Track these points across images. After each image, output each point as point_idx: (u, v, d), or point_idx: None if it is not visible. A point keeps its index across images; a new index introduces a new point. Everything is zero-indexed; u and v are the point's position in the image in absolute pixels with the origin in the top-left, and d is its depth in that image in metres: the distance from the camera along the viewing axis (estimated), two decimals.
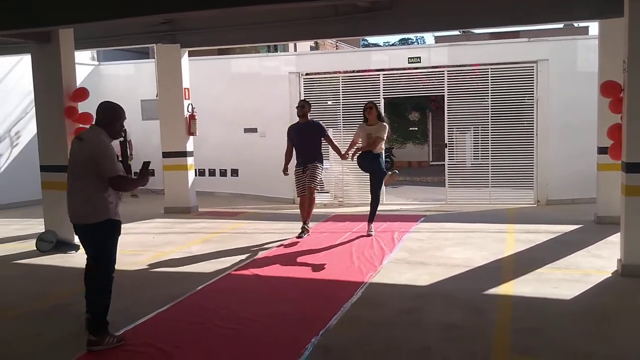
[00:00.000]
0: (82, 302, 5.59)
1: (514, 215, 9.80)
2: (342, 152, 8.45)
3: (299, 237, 8.22)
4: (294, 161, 8.57)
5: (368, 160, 8.14)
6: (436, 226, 8.84)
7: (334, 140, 9.04)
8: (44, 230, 8.11)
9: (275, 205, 11.68)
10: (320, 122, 8.80)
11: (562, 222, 8.70)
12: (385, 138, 8.11)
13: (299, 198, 8.62)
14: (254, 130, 12.69)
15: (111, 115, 4.68)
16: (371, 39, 36.33)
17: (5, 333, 4.97)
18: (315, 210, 10.66)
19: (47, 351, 4.54)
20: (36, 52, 7.92)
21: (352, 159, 8.41)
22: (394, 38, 42.40)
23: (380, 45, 36.45)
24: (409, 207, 11.31)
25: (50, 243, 7.89)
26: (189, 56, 10.98)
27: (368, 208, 8.42)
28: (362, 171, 8.83)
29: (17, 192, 11.78)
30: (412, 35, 47.18)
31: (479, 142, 11.49)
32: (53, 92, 7.83)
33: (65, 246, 7.86)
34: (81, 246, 4.97)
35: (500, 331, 4.55)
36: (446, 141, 11.82)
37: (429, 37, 39.78)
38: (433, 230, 8.54)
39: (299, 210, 8.62)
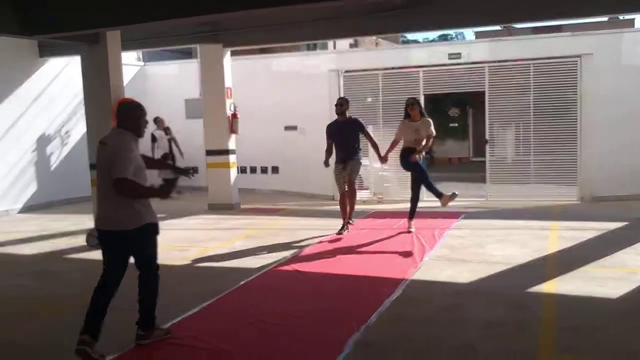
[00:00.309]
0: (131, 297, 5.85)
1: (558, 212, 9.66)
2: (382, 155, 8.42)
3: (339, 233, 8.26)
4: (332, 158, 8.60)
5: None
6: (477, 223, 8.80)
7: (373, 138, 8.98)
8: (93, 227, 8.39)
9: (315, 202, 11.79)
10: (359, 119, 8.78)
11: (608, 219, 8.56)
12: (434, 133, 8.17)
13: (339, 195, 8.62)
14: (294, 128, 12.82)
15: (131, 114, 4.53)
16: (410, 36, 36.27)
17: (60, 325, 5.20)
18: (356, 207, 10.80)
19: (99, 343, 4.71)
20: (86, 53, 8.20)
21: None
22: (433, 34, 41.91)
23: (419, 42, 36.27)
24: (449, 204, 11.21)
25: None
26: (231, 56, 11.18)
27: (407, 205, 8.45)
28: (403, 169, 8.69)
29: (69, 189, 12.22)
30: (451, 31, 46.77)
31: (521, 138, 11.35)
32: (101, 92, 8.10)
33: None
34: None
35: (545, 329, 4.53)
36: (487, 137, 11.72)
37: (468, 32, 39.31)
38: (474, 227, 8.50)
39: (339, 207, 8.64)
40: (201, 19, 9.09)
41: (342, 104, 8.54)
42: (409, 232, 8.16)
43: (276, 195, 12.82)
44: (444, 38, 43.55)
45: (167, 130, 13.42)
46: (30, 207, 11.64)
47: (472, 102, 21.11)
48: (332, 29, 10.22)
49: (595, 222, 8.40)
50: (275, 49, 15.19)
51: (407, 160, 8.07)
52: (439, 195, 8.07)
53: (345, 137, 8.40)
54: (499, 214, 9.69)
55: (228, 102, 10.91)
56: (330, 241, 8.00)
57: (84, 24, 7.32)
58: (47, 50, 11.59)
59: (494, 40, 12.28)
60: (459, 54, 11.56)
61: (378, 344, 4.42)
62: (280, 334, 4.76)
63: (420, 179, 8.20)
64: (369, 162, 12.11)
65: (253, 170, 13.56)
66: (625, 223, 8.31)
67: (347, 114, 8.59)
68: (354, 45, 24.61)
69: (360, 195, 12.00)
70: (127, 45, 9.18)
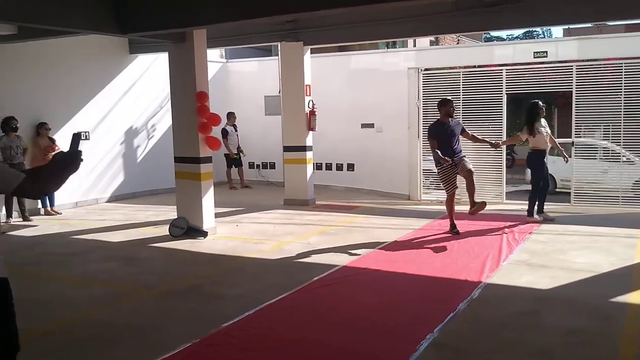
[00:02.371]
0: (212, 284, 6.10)
1: None
2: (494, 142, 9.18)
3: (454, 232, 8.20)
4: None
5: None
6: (560, 228, 8.47)
7: (470, 135, 8.86)
8: (176, 217, 8.74)
9: (390, 201, 11.73)
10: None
11: None
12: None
13: (447, 196, 8.42)
14: (371, 125, 12.80)
15: None
16: (494, 33, 35.16)
17: (143, 308, 5.51)
18: (430, 208, 10.72)
19: (182, 326, 4.94)
20: (173, 51, 8.53)
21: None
22: (518, 31, 40.55)
23: (504, 39, 35.17)
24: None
25: (181, 229, 8.50)
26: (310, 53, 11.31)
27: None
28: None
29: (153, 181, 12.77)
30: (537, 28, 45.07)
31: (610, 141, 10.82)
32: (187, 89, 8.39)
33: (194, 232, 8.44)
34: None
35: (628, 340, 4.34)
36: (573, 139, 11.27)
37: (557, 30, 37.83)
38: (556, 232, 8.20)
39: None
40: (283, 17, 9.28)
41: (454, 107, 8.70)
42: (548, 219, 8.86)
43: (350, 193, 12.86)
44: (529, 35, 42.15)
45: (235, 127, 13.75)
46: (117, 197, 12.25)
47: (558, 102, 20.32)
48: (413, 27, 10.07)
49: None
50: (353, 47, 15.21)
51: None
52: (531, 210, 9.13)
53: (452, 140, 8.29)
54: (583, 219, 9.30)
55: (307, 99, 11.04)
56: (406, 241, 7.96)
57: (173, 23, 7.61)
58: (137, 47, 12.12)
59: (583, 39, 11.71)
60: (545, 52, 11.14)
61: (450, 346, 4.38)
62: (355, 329, 4.79)
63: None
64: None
65: (328, 167, 13.64)
66: None
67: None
68: (434, 43, 24.24)
69: (437, 195, 11.90)
70: (211, 43, 9.46)
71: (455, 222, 8.36)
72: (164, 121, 13.07)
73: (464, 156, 8.40)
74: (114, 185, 12.28)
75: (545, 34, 44.84)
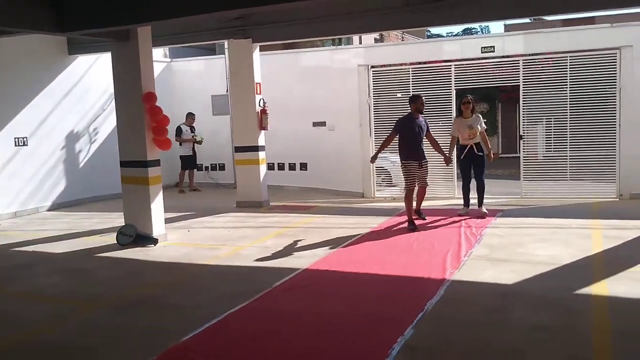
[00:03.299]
0: (167, 296, 5.78)
1: (598, 210, 9.35)
2: (447, 156, 9.07)
3: (412, 229, 8.19)
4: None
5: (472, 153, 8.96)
6: (515, 221, 8.55)
7: (433, 138, 9.03)
8: (123, 224, 8.33)
9: (345, 199, 11.62)
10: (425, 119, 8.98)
11: None
12: (485, 128, 9.09)
13: (406, 191, 8.53)
14: (323, 124, 12.65)
15: None
16: (434, 30, 35.69)
17: (95, 325, 5.12)
18: (385, 205, 10.67)
19: (136, 342, 4.62)
20: (116, 50, 8.12)
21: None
22: (458, 28, 41.43)
23: (443, 36, 35.78)
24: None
25: (130, 237, 8.11)
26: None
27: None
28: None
29: (97, 186, 12.23)
30: (476, 25, 46.10)
31: (557, 133, 11.02)
32: (132, 90, 8.00)
33: (144, 240, 8.06)
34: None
35: (600, 334, 4.29)
36: (521, 133, 11.43)
37: (496, 26, 38.84)
38: (512, 225, 8.25)
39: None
40: (231, 13, 8.99)
41: (424, 102, 8.80)
42: (484, 215, 8.79)
43: (305, 192, 12.68)
44: (467, 32, 43.04)
45: (192, 129, 13.38)
46: (59, 205, 11.66)
47: (501, 97, 20.74)
48: (360, 23, 10.02)
49: (639, 221, 8.08)
50: (299, 44, 15.03)
51: (469, 156, 8.98)
52: (467, 203, 9.21)
53: (421, 135, 8.53)
54: (536, 211, 9.41)
55: (257, 97, 10.77)
56: (365, 239, 7.83)
57: (116, 20, 7.22)
58: (76, 48, 11.58)
59: (528, 33, 11.89)
60: (493, 47, 11.24)
61: (422, 347, 4.25)
62: (324, 335, 4.61)
63: (482, 172, 9.04)
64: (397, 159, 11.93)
65: (281, 167, 13.42)
66: None
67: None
68: (379, 40, 24.33)
69: (391, 192, 11.88)
70: (156, 42, 9.02)
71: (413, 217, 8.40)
72: (107, 124, 12.56)
73: (427, 161, 8.67)
74: (56, 193, 11.67)
75: (484, 31, 46.03)
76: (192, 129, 13.38)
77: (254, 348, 4.43)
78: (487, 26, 48.15)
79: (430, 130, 8.87)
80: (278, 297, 5.64)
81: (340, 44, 20.14)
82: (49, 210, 11.46)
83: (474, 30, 45.69)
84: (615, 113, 10.46)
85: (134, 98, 7.98)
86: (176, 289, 6.14)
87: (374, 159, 9.07)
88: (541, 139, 11.55)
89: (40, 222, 10.27)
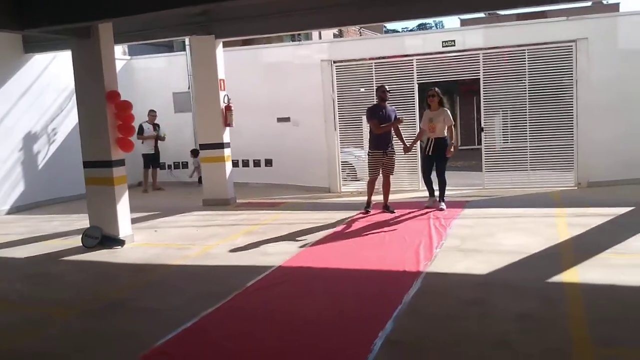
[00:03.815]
0: (138, 298, 5.65)
1: (559, 198, 9.60)
2: (406, 145, 9.25)
3: (366, 212, 9.02)
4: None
5: (437, 146, 8.96)
6: (481, 212, 8.70)
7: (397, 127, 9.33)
8: (88, 226, 8.12)
9: (312, 195, 11.61)
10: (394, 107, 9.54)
11: (611, 205, 8.50)
12: (452, 122, 9.08)
13: (369, 177, 9.22)
14: (287, 119, 12.61)
15: None
16: (389, 25, 35.94)
17: (67, 331, 4.95)
18: (352, 199, 10.70)
19: (112, 347, 4.50)
20: (77, 47, 7.87)
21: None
22: (413, 24, 41.84)
23: (399, 31, 36.11)
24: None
25: (95, 239, 7.90)
26: None
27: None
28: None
29: (56, 188, 11.89)
30: (431, 20, 46.71)
31: (517, 124, 11.25)
32: (95, 88, 7.77)
33: (110, 241, 7.87)
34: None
35: (577, 321, 4.38)
36: (482, 125, 11.64)
37: (451, 21, 39.49)
38: (480, 216, 8.39)
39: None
40: (193, 9, 8.87)
41: (387, 90, 9.12)
42: (441, 209, 8.83)
43: (270, 189, 12.61)
44: (423, 27, 43.53)
45: (155, 127, 13.13)
46: (18, 208, 11.28)
47: (460, 89, 21.05)
48: (322, 19, 10.06)
49: (600, 208, 8.33)
50: (259, 41, 14.92)
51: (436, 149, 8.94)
52: (432, 193, 9.28)
53: (386, 123, 8.94)
54: (501, 202, 9.61)
55: (221, 94, 10.63)
56: (336, 235, 7.83)
57: (77, 16, 7.01)
58: (33, 46, 11.21)
59: (488, 27, 12.11)
60: (453, 41, 11.40)
61: (405, 342, 4.24)
62: (302, 334, 4.56)
63: (442, 164, 9.00)
64: (363, 153, 11.99)
65: (245, 163, 13.31)
66: (631, 208, 8.26)
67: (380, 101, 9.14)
68: (337, 36, 24.39)
69: (357, 186, 11.93)
70: (116, 39, 8.79)
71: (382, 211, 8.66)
72: (66, 124, 12.22)
73: (393, 150, 9.09)
74: (14, 196, 11.29)
75: (438, 26, 46.67)
76: (156, 127, 13.11)
77: (233, 349, 4.34)
78: (442, 21, 48.98)
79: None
80: (253, 296, 5.57)
81: (299, 40, 20.06)
82: (7, 213, 11.07)
83: (428, 25, 46.30)
84: (572, 104, 10.75)
85: (97, 97, 7.75)
86: (148, 291, 5.99)
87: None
88: (501, 131, 11.77)
89: None
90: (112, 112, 7.84)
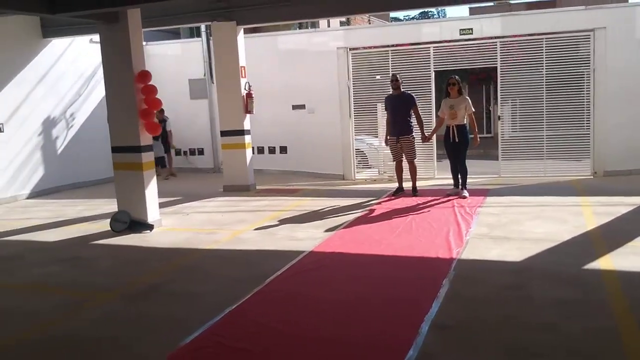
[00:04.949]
0: (175, 282, 5.71)
1: (580, 187, 9.67)
2: (424, 134, 9.56)
3: (395, 195, 9.55)
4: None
5: (458, 134, 9.03)
6: (505, 200, 8.76)
7: (416, 114, 9.63)
8: (113, 211, 8.18)
9: (328, 182, 11.66)
10: (411, 94, 9.69)
11: (636, 194, 8.56)
12: (472, 110, 9.14)
13: (393, 163, 9.91)
14: (302, 107, 12.63)
15: None
16: (394, 14, 35.71)
17: (108, 315, 5.00)
18: (369, 187, 10.76)
19: (158, 331, 4.56)
20: (105, 32, 7.88)
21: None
22: (414, 12, 41.76)
23: (401, 20, 35.94)
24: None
25: (124, 223, 7.97)
26: None
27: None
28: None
29: (77, 173, 11.97)
30: (433, 9, 46.36)
31: (533, 113, 11.29)
32: (124, 73, 7.79)
33: (139, 226, 7.94)
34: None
35: (619, 305, 4.47)
36: (499, 113, 11.69)
37: (456, 10, 39.29)
38: (504, 204, 8.45)
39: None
40: None
41: (396, 79, 9.47)
42: (464, 197, 8.94)
43: (285, 176, 12.66)
44: (425, 16, 43.32)
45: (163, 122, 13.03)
46: (38, 193, 11.34)
47: (469, 78, 21.03)
48: (341, 6, 10.19)
49: (624, 197, 8.40)
50: (269, 29, 14.90)
51: (451, 137, 9.05)
52: (457, 185, 9.33)
53: (398, 111, 9.39)
54: (523, 190, 9.67)
55: (243, 81, 10.65)
56: (362, 220, 7.90)
57: (106, 1, 7.02)
58: (51, 31, 11.20)
59: (506, 15, 12.10)
60: (471, 29, 11.43)
61: (452, 325, 4.30)
62: (346, 317, 4.61)
63: (463, 156, 9.15)
64: (375, 141, 12.04)
65: (261, 150, 13.34)
66: None
67: (402, 89, 9.55)
68: (344, 24, 24.27)
69: (370, 174, 11.99)
70: None
71: (403, 198, 9.07)
72: (84, 109, 12.26)
73: (409, 136, 9.43)
74: (34, 180, 11.34)
75: (440, 15, 46.49)
76: (165, 123, 12.96)
77: (282, 333, 4.37)
78: (444, 9, 48.66)
79: (417, 106, 9.53)
80: (291, 280, 5.63)
81: (307, 28, 19.99)
82: (28, 198, 11.13)
83: (430, 13, 46.04)
84: (589, 93, 10.80)
85: (126, 82, 7.77)
86: (183, 275, 6.05)
87: (386, 142, 9.94)
88: (518, 119, 11.82)
89: (22, 211, 9.97)
90: (140, 97, 7.86)
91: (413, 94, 9.73)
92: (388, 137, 9.65)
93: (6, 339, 4.53)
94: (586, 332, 4.06)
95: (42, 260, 6.85)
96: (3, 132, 10.52)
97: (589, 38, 10.74)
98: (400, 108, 9.38)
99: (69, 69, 11.88)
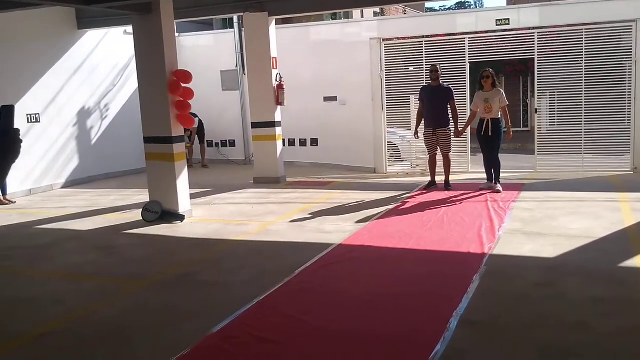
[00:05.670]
0: (205, 271, 5.74)
1: (619, 183, 9.39)
2: (457, 129, 9.37)
3: (427, 188, 9.44)
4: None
5: (492, 127, 8.84)
6: (540, 195, 8.56)
7: (453, 108, 9.47)
8: (148, 201, 8.27)
9: (359, 175, 11.58)
10: (450, 87, 9.59)
11: None
12: (506, 102, 8.98)
13: (428, 155, 9.69)
14: (334, 98, 12.55)
15: None
16: (428, 5, 35.29)
17: (144, 302, 5.06)
18: (401, 180, 10.66)
19: (192, 318, 4.59)
20: (138, 23, 7.94)
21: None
22: (450, 2, 41.23)
23: (437, 10, 35.49)
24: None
25: (155, 213, 8.04)
26: None
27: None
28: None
29: (110, 163, 12.16)
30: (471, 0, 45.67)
31: (572, 106, 11.00)
32: (156, 64, 7.85)
33: (170, 216, 8.00)
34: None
35: None
36: (536, 106, 11.43)
37: (494, 1, 38.69)
38: (538, 199, 8.26)
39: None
40: None
41: (436, 70, 9.35)
42: (498, 192, 8.77)
43: (316, 168, 12.63)
44: (460, 5, 42.72)
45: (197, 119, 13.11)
46: (72, 182, 11.55)
47: (506, 70, 20.63)
48: None
49: None
50: (301, 19, 14.83)
51: (485, 131, 8.88)
52: (490, 179, 9.13)
53: (436, 103, 9.28)
54: (558, 185, 9.45)
55: (274, 72, 10.63)
56: (392, 214, 7.82)
57: None
58: (86, 22, 11.37)
59: (544, 5, 11.80)
60: (508, 19, 11.17)
61: (481, 321, 4.22)
62: (375, 310, 4.58)
63: (497, 150, 8.98)
64: (407, 133, 11.89)
65: (291, 142, 13.33)
66: None
67: (440, 81, 9.47)
68: (378, 14, 24.08)
69: (402, 167, 11.87)
70: None
71: (434, 192, 8.97)
72: (118, 100, 12.43)
73: (446, 129, 9.31)
74: (69, 170, 11.56)
75: (477, 5, 45.73)
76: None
77: (310, 324, 4.37)
78: (482, 0, 47.92)
79: (455, 100, 9.41)
80: (320, 272, 5.61)
81: (341, 19, 19.87)
82: (63, 187, 11.36)
83: (467, 3, 45.40)
84: (630, 86, 10.46)
85: (158, 72, 7.83)
86: (215, 265, 6.08)
87: (415, 134, 9.93)
88: (555, 113, 11.53)
89: (57, 200, 10.17)
90: (178, 96, 7.92)
91: (451, 87, 9.61)
92: (418, 130, 9.59)
93: (44, 325, 4.61)
94: (621, 331, 3.93)
95: (77, 248, 6.98)
96: (40, 122, 10.72)
97: (631, 29, 10.39)
98: (438, 100, 9.25)
99: (104, 60, 12.05)
